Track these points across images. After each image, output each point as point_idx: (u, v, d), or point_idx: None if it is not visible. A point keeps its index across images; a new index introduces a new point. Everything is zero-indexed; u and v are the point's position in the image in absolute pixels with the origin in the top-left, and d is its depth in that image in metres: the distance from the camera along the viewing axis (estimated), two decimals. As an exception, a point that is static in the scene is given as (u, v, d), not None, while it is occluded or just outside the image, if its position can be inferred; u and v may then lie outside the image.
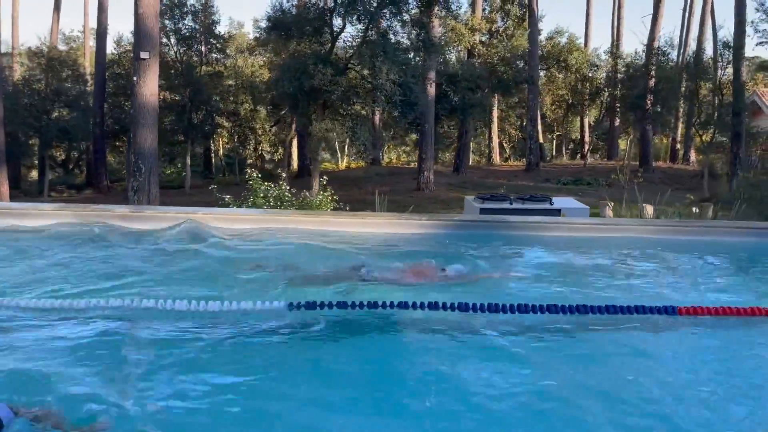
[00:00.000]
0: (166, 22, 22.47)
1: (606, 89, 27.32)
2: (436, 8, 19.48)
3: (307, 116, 16.71)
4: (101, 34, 24.40)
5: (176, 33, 22.51)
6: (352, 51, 16.96)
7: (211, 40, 22.96)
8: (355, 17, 16.49)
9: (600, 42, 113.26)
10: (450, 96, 22.30)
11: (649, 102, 23.42)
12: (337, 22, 16.57)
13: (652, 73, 23.46)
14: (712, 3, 29.75)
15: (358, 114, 16.44)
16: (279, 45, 17.87)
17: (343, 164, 33.12)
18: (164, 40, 22.98)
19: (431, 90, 20.68)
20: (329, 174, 29.02)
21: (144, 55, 14.06)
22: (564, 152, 35.79)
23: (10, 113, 18.54)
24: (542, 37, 31.46)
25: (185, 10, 22.40)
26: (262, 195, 9.04)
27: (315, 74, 15.60)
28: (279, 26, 16.43)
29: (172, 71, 22.66)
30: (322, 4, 16.19)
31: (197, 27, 22.74)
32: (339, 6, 16.25)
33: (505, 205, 8.92)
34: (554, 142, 37.24)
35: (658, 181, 23.62)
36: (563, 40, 29.77)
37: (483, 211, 8.52)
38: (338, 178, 27.47)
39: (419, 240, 5.60)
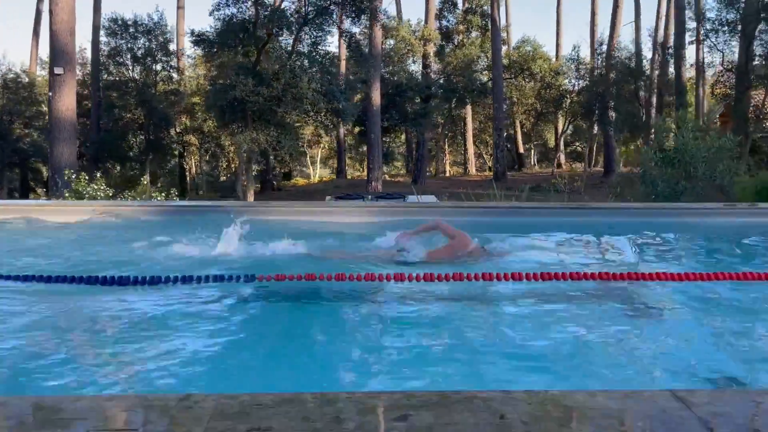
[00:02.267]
0: (120, 41, 22.93)
1: (568, 96, 27.15)
2: (378, 18, 19.70)
3: (232, 128, 16.85)
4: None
5: (130, 52, 22.88)
6: (280, 62, 17.10)
7: (163, 57, 23.30)
8: (278, 29, 16.66)
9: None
10: (399, 106, 22.36)
11: (610, 107, 23.21)
12: (262, 33, 16.72)
13: (611, 77, 23.32)
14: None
15: (283, 123, 16.49)
16: (209, 58, 18.09)
17: (315, 178, 33.31)
18: (121, 59, 23.48)
19: (376, 100, 20.77)
20: (295, 187, 29.30)
21: (58, 70, 14.33)
22: (536, 161, 35.56)
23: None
24: (507, 46, 31.60)
25: (140, 29, 22.76)
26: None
27: (236, 85, 15.79)
28: (203, 40, 16.63)
29: (127, 90, 23.04)
30: (243, 16, 16.34)
31: (152, 46, 23.09)
32: (262, 18, 16.44)
33: (358, 203, 8.99)
34: (532, 150, 37.04)
35: (616, 185, 23.39)
36: (529, 48, 29.70)
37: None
38: (299, 191, 27.71)
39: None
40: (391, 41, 25.06)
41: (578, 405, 1.56)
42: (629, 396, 1.70)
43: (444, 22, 28.92)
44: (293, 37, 17.30)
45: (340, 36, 17.63)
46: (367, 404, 1.41)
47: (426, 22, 25.68)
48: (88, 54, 24.46)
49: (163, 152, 25.99)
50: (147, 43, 22.90)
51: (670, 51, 19.90)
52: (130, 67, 23.42)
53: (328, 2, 17.46)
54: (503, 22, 32.02)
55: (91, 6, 23.40)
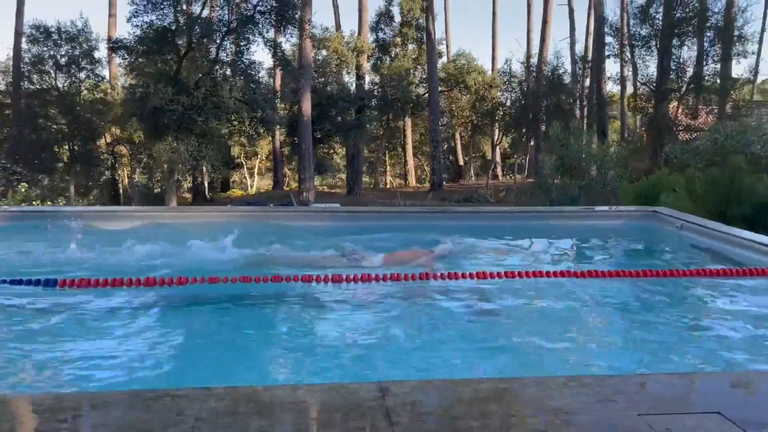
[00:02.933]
0: (43, 49, 22.20)
1: (501, 108, 27.70)
2: (306, 29, 19.67)
3: (153, 137, 16.48)
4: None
5: (53, 59, 22.19)
6: (201, 71, 16.86)
7: (88, 65, 22.67)
8: (200, 37, 16.43)
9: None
10: (332, 117, 22.35)
11: (539, 120, 23.77)
12: (183, 41, 16.46)
13: (541, 90, 23.90)
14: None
15: (205, 133, 16.23)
16: (132, 66, 17.70)
17: (253, 190, 32.93)
18: (43, 67, 22.73)
19: (307, 111, 20.67)
20: (229, 198, 28.85)
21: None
22: (474, 172, 36.16)
23: None
24: (445, 59, 32.10)
25: (63, 36, 22.10)
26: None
27: (155, 94, 15.48)
28: (121, 47, 16.26)
29: (50, 99, 22.31)
30: (162, 23, 16.04)
31: (76, 53, 22.43)
32: (182, 26, 16.19)
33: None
34: (471, 162, 37.58)
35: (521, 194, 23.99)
36: (464, 62, 30.20)
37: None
38: (232, 201, 27.30)
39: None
40: (324, 52, 25.08)
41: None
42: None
43: (381, 35, 29.12)
44: (216, 45, 17.09)
45: (266, 46, 17.47)
46: None
47: (359, 33, 25.82)
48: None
49: (92, 163, 25.20)
50: (71, 51, 22.23)
51: (590, 65, 20.53)
52: (54, 76, 22.68)
53: (252, 11, 17.36)
54: (442, 35, 32.58)
55: (14, 10, 22.68)
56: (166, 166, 16.27)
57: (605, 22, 19.75)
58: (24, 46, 22.01)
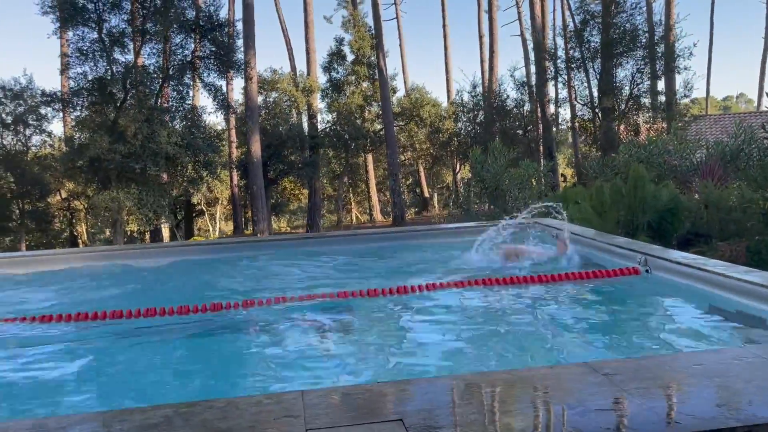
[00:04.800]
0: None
1: (456, 138, 27.96)
2: (249, 73, 19.78)
3: (96, 188, 16.28)
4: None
5: (-3, 118, 22.02)
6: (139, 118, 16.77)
7: (34, 122, 22.51)
8: (136, 85, 16.40)
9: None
10: (284, 157, 22.35)
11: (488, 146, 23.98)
12: (119, 90, 16.40)
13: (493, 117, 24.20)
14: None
15: (145, 181, 16.06)
16: (79, 120, 17.58)
17: (215, 235, 32.62)
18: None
19: (256, 152, 20.64)
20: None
21: None
22: (438, 203, 36.32)
23: None
24: (400, 94, 32.53)
25: (8, 94, 21.97)
26: None
27: (92, 144, 15.35)
28: (54, 99, 16.17)
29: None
30: (97, 73, 16.00)
31: (21, 111, 22.29)
32: (117, 75, 16.16)
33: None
34: (435, 193, 37.77)
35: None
36: (417, 96, 30.56)
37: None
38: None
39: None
40: (275, 93, 25.23)
41: None
42: None
43: (333, 74, 29.41)
44: (155, 92, 17.07)
45: (206, 90, 17.49)
46: None
47: (308, 73, 26.05)
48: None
49: (45, 220, 24.82)
50: (15, 108, 22.08)
51: (533, 89, 20.85)
52: (-1, 134, 22.48)
53: (190, 57, 17.43)
54: (397, 71, 33.06)
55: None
56: (108, 216, 16.01)
57: (543, 47, 20.15)
58: (-34, 106, 21.86)
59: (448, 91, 35.05)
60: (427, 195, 35.25)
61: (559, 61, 20.81)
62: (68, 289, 4.75)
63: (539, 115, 22.14)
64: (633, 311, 3.87)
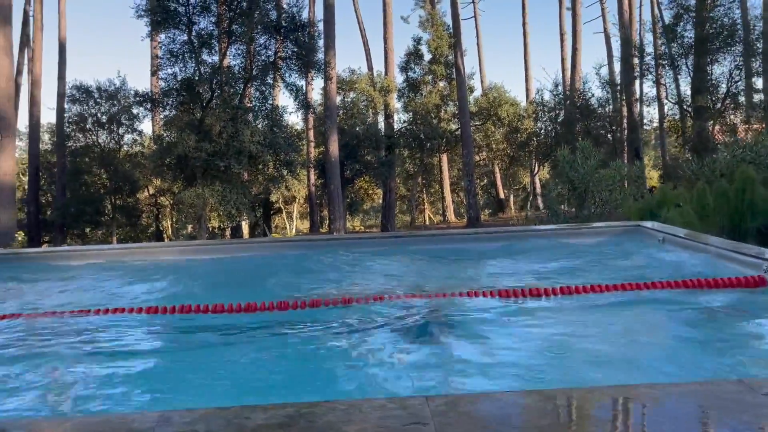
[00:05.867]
0: (84, 107, 23.35)
1: (535, 138, 27.28)
2: (329, 73, 20.04)
3: (183, 185, 16.90)
4: (34, 125, 25.43)
5: (93, 117, 23.28)
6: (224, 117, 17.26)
7: (126, 121, 23.65)
8: (222, 86, 16.90)
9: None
10: (361, 157, 22.49)
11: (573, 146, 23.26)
12: (206, 90, 16.95)
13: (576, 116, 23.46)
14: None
15: (229, 179, 16.52)
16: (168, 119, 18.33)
17: (292, 232, 33.25)
18: (85, 125, 23.87)
19: (334, 152, 20.87)
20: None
21: (-4, 136, 14.51)
22: (514, 204, 35.58)
23: None
24: (477, 93, 32.08)
25: (103, 95, 23.21)
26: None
27: (180, 142, 15.94)
28: (147, 100, 16.88)
29: (92, 155, 23.33)
30: (185, 74, 16.60)
31: (114, 110, 23.48)
32: (204, 76, 16.70)
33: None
34: (511, 195, 37.02)
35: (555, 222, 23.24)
36: (496, 95, 30.04)
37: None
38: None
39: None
40: (352, 94, 25.45)
41: None
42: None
43: (410, 74, 29.37)
44: (239, 92, 17.54)
45: (288, 90, 17.81)
46: None
47: (386, 73, 26.10)
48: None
49: (135, 215, 26.05)
50: (110, 109, 23.29)
51: (620, 88, 20.01)
52: (95, 133, 23.75)
53: (273, 57, 17.79)
54: (474, 70, 32.66)
55: (56, 75, 24.07)
56: (193, 213, 16.57)
57: (631, 43, 19.29)
58: (66, 106, 23.20)
59: (527, 90, 34.36)
60: (502, 196, 34.62)
61: (648, 57, 19.88)
62: (171, 281, 4.85)
63: (625, 114, 21.24)
64: (755, 325, 3.53)
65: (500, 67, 75.77)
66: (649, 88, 24.27)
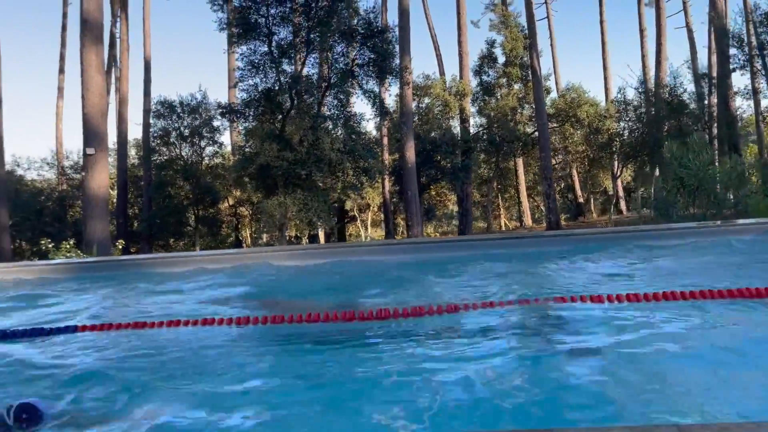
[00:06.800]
0: (168, 122, 24.17)
1: (618, 139, 26.10)
2: (406, 79, 19.89)
3: (264, 194, 17.08)
4: (122, 141, 26.55)
5: (177, 131, 24.03)
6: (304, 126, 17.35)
7: (207, 134, 24.28)
8: (301, 95, 16.99)
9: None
10: (437, 162, 22.15)
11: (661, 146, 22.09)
12: (285, 100, 17.08)
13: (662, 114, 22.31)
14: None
15: (311, 187, 16.56)
16: (248, 130, 18.64)
17: (367, 240, 33.24)
18: (168, 139, 24.69)
19: (411, 157, 20.65)
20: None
21: (90, 151, 15.06)
22: (595, 208, 34.23)
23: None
24: (555, 94, 31.07)
25: (185, 109, 23.94)
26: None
27: (262, 152, 16.12)
28: (230, 111, 17.18)
29: (176, 168, 24.08)
30: (266, 84, 16.79)
31: (197, 124, 24.17)
32: (284, 85, 16.84)
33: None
34: (591, 199, 35.67)
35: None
36: (574, 95, 29.03)
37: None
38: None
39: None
40: (427, 99, 25.18)
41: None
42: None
43: (484, 77, 28.84)
44: (317, 101, 17.59)
45: (365, 97, 17.72)
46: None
47: (461, 77, 25.69)
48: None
49: (215, 226, 26.71)
50: (192, 122, 23.99)
51: (714, 81, 18.80)
52: (178, 146, 24.52)
53: (351, 66, 17.74)
54: (549, 71, 31.74)
55: (142, 92, 25.06)
56: (273, 220, 16.69)
57: (727, 33, 18.08)
58: (151, 121, 24.07)
59: (606, 89, 33.09)
60: (581, 200, 33.41)
61: (746, 48, 18.58)
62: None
63: (719, 109, 19.94)
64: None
65: (574, 68, 73.73)
66: (740, 80, 22.83)
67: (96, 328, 3.36)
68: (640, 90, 23.96)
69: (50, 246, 13.06)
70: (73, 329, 3.29)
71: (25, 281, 5.98)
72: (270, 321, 3.36)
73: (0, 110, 20.74)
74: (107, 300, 4.77)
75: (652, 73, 29.99)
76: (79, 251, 12.28)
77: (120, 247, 13.65)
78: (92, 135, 15.26)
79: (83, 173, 15.33)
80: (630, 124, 25.45)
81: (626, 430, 1.46)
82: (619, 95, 26.60)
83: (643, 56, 32.37)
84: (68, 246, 12.78)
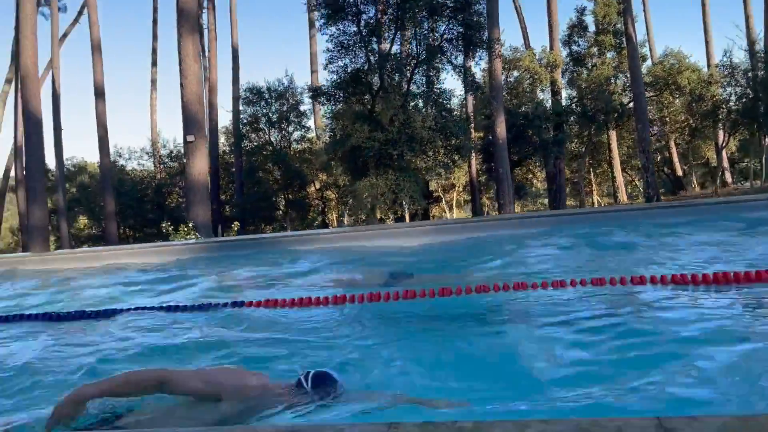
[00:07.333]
0: (257, 108, 24.57)
1: (724, 106, 24.23)
2: (495, 51, 19.22)
3: (354, 176, 17.01)
4: (213, 129, 27.31)
5: (265, 117, 24.41)
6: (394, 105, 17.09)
7: (295, 118, 24.50)
8: (391, 73, 16.71)
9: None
10: (528, 137, 21.37)
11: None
12: (375, 80, 16.86)
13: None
14: None
15: (402, 167, 16.30)
16: (334, 113, 18.59)
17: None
18: (257, 125, 25.13)
19: (501, 133, 19.99)
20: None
21: (190, 138, 15.46)
22: (696, 182, 32.16)
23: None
24: (650, 62, 29.24)
25: (273, 95, 24.26)
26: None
27: (353, 133, 16.01)
28: (320, 93, 17.16)
29: (265, 153, 24.51)
30: (356, 65, 16.61)
31: (284, 109, 24.44)
32: (373, 65, 16.61)
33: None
34: (691, 172, 33.56)
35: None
36: (673, 61, 27.21)
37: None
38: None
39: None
40: (515, 72, 24.30)
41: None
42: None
43: (574, 47, 27.52)
44: (407, 79, 17.26)
45: (455, 72, 17.22)
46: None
47: (551, 48, 24.61)
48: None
49: (304, 209, 27.07)
50: (279, 107, 24.27)
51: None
52: (267, 132, 24.91)
53: (440, 41, 17.28)
54: (643, 38, 29.91)
55: (230, 79, 25.59)
56: (367, 202, 16.58)
57: None
58: (240, 108, 24.54)
59: (708, 54, 30.82)
60: (680, 173, 31.45)
61: None
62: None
63: None
64: None
65: (669, 34, 69.22)
66: None
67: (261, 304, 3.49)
68: (749, 52, 22.07)
69: (170, 229, 13.60)
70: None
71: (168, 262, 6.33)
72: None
73: (103, 103, 21.70)
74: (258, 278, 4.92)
75: (756, 34, 27.68)
76: (196, 233, 12.71)
77: (235, 229, 14.37)
78: (191, 122, 15.64)
79: (184, 160, 15.76)
80: (739, 89, 23.56)
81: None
82: (725, 58, 24.67)
83: (747, 17, 29.93)
84: (185, 229, 13.24)
